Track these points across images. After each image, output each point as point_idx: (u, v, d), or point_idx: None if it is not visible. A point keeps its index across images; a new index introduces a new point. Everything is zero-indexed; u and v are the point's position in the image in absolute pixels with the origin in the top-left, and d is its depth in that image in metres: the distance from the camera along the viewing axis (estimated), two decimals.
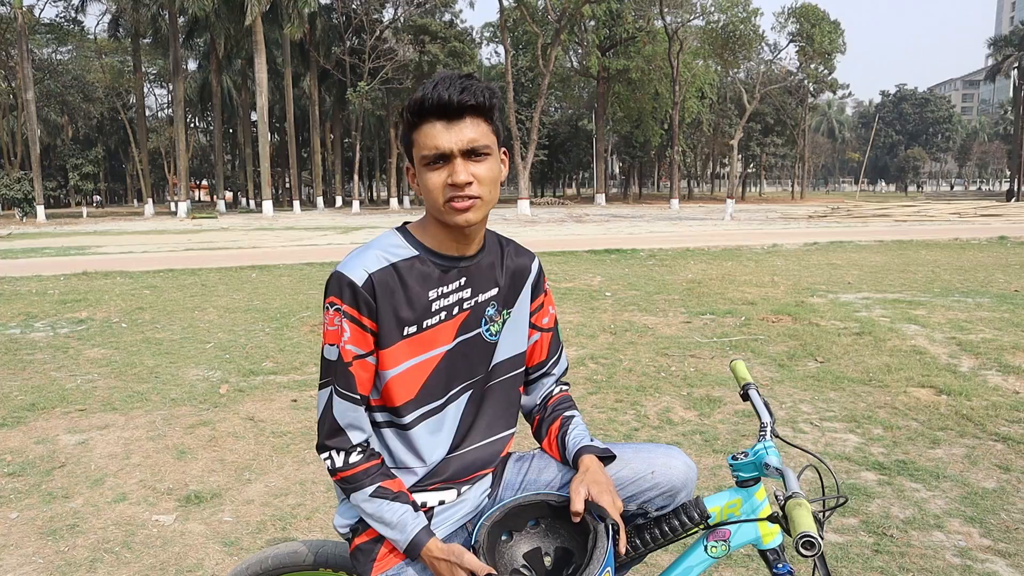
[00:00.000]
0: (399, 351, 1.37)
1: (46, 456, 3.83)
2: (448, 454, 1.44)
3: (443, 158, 1.29)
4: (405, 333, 1.36)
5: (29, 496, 3.35)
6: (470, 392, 1.46)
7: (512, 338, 1.50)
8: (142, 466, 3.69)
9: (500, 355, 1.49)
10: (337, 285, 1.34)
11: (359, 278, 1.32)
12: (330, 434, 1.38)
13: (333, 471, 1.39)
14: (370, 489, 1.36)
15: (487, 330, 1.45)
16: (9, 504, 3.28)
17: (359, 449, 1.39)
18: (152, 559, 2.78)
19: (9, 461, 3.76)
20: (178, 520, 3.10)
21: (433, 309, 1.38)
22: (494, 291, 1.46)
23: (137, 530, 3.01)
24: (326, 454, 1.39)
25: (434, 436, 1.43)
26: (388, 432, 1.44)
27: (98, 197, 68.15)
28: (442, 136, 1.28)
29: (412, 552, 1.34)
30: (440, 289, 1.38)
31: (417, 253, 1.39)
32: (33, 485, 3.47)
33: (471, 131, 1.29)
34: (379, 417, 1.43)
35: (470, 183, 1.29)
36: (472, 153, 1.29)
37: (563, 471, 1.53)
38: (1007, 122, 79.14)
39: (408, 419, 1.41)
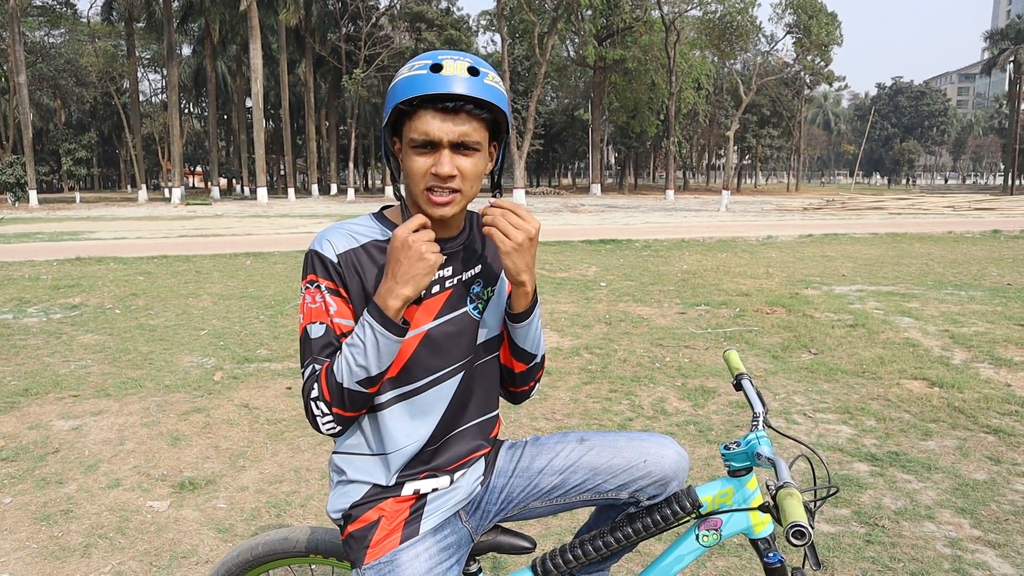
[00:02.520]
0: None
1: (40, 441, 3.83)
2: (439, 438, 1.42)
3: (431, 145, 1.28)
4: None
5: (23, 481, 3.35)
6: (462, 373, 1.43)
7: (493, 319, 1.48)
8: (136, 452, 3.69)
9: (483, 335, 1.47)
10: (311, 263, 1.34)
11: (331, 254, 1.33)
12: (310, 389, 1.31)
13: (321, 402, 1.29)
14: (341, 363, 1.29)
15: (474, 308, 1.43)
16: (3, 489, 3.27)
17: None
18: (146, 545, 2.79)
19: (2, 446, 3.76)
20: (172, 506, 3.10)
21: None
22: (478, 268, 1.45)
23: (131, 516, 3.02)
24: (313, 407, 1.31)
25: (413, 419, 1.39)
26: (361, 418, 1.40)
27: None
28: (434, 124, 1.26)
29: (380, 313, 1.26)
30: None
31: (389, 235, 1.37)
32: (26, 470, 3.47)
33: (465, 124, 1.27)
34: None
35: (453, 176, 1.28)
36: (461, 146, 1.28)
37: (554, 456, 1.53)
38: (1002, 116, 79.33)
39: (382, 399, 1.37)
